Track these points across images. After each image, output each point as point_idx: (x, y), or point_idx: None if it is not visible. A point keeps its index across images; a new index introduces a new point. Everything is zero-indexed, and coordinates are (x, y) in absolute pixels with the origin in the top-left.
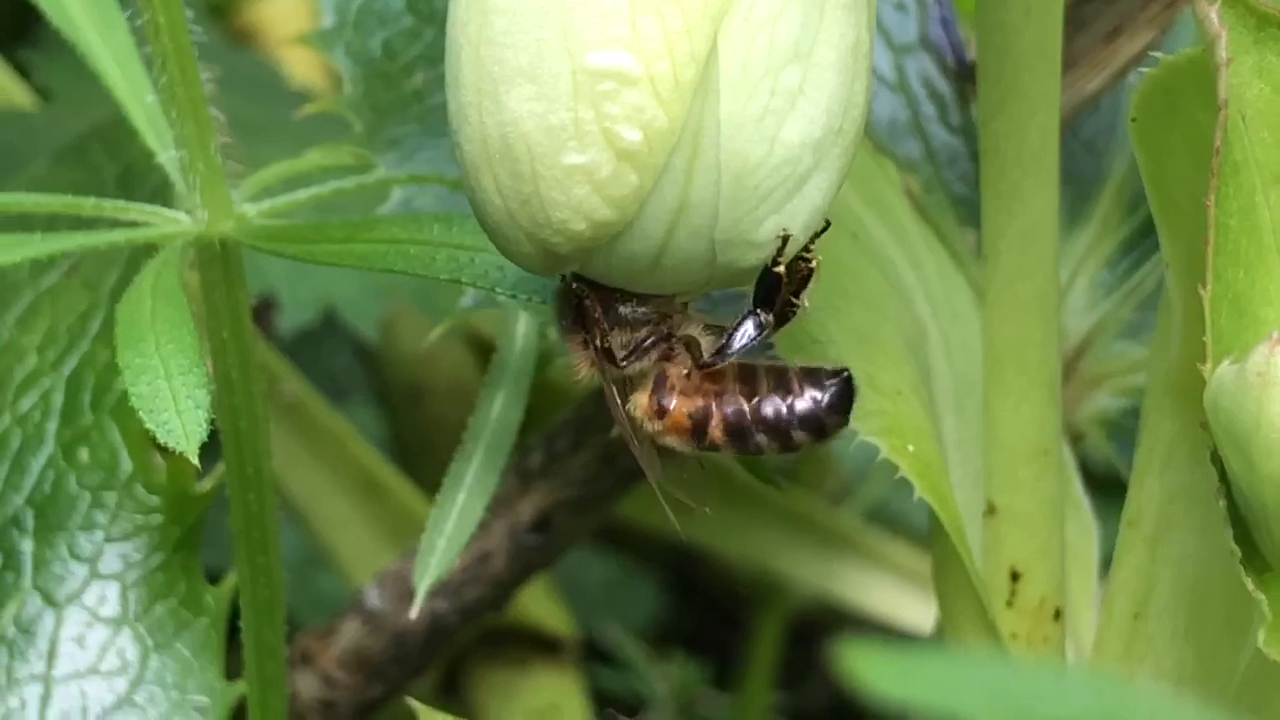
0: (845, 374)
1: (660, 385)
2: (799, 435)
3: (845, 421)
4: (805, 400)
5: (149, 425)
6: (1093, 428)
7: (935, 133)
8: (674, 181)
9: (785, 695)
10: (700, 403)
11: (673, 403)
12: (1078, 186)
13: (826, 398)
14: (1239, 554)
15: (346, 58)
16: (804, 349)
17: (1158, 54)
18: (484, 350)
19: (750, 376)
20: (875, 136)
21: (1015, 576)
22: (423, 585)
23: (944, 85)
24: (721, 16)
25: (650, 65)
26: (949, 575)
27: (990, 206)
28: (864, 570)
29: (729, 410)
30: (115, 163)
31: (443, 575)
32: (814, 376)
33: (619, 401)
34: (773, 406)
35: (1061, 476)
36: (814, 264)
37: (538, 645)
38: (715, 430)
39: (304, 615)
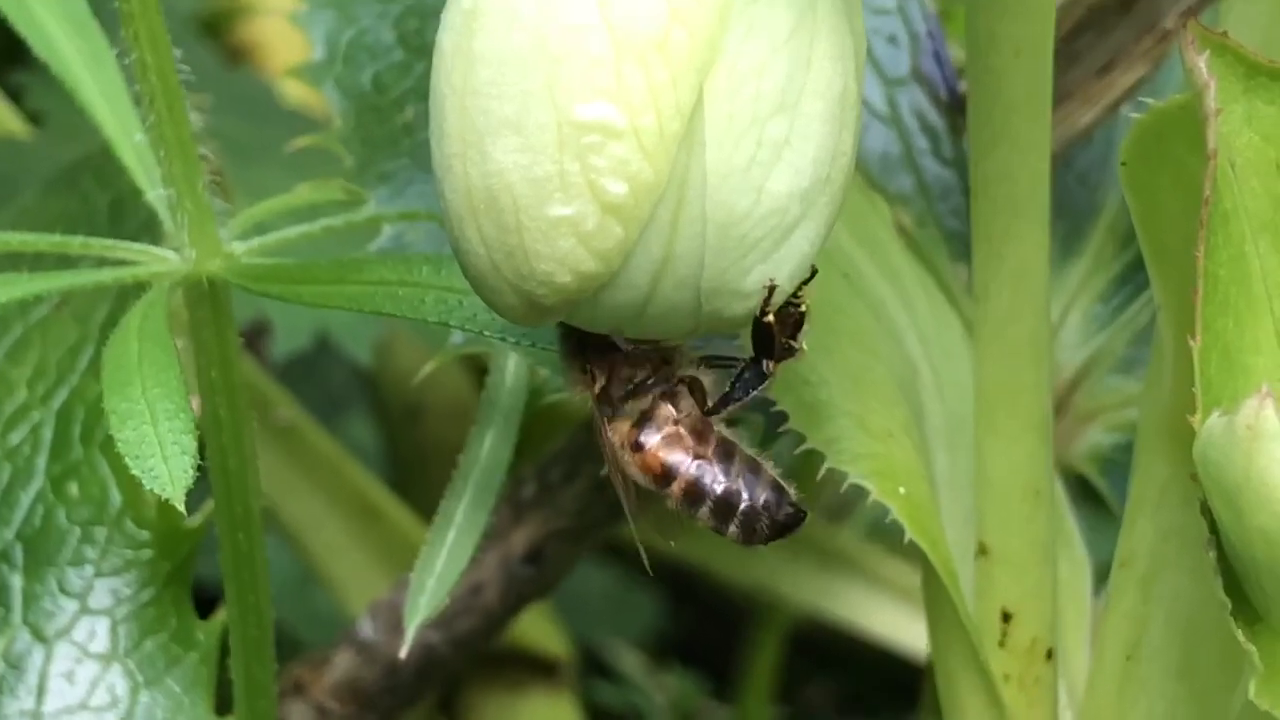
0: (802, 509)
1: (646, 422)
2: (733, 529)
3: (775, 539)
4: (758, 505)
5: (135, 471)
6: (1086, 463)
7: (928, 166)
8: (659, 233)
9: (785, 707)
10: (678, 453)
11: (651, 442)
12: (1071, 220)
13: (779, 514)
14: (1229, 605)
15: (337, 91)
16: (795, 390)
17: (1147, 100)
18: (481, 370)
19: (730, 452)
20: (868, 171)
21: (1007, 617)
22: (412, 625)
23: (936, 118)
24: (707, 68)
25: (635, 118)
26: (940, 615)
27: (981, 249)
28: (862, 589)
29: (701, 472)
30: (106, 192)
31: (432, 613)
32: (779, 490)
33: (605, 430)
34: (733, 493)
35: (1054, 516)
36: (804, 308)
37: (534, 668)
38: (678, 484)
39: (300, 634)
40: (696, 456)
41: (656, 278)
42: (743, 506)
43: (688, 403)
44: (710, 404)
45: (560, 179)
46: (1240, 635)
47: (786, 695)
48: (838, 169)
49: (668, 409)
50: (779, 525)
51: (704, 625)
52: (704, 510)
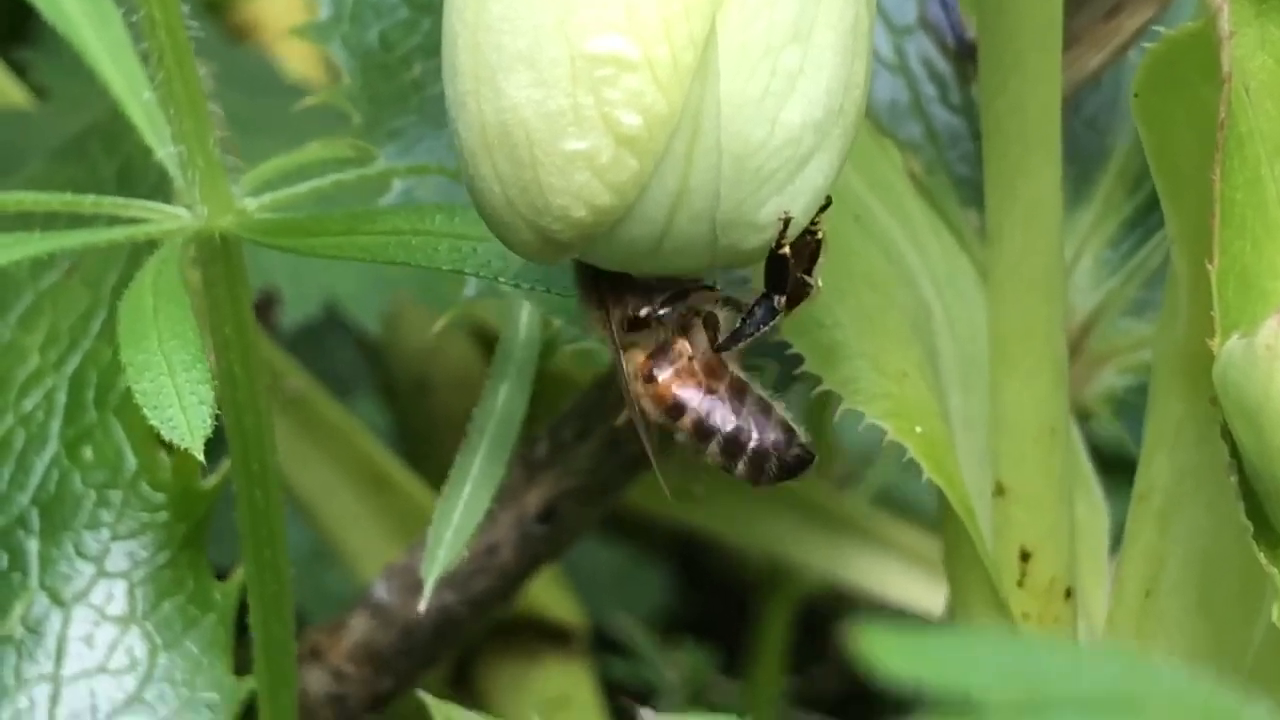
0: (810, 451)
1: (661, 354)
2: (740, 467)
3: (782, 480)
4: (767, 444)
5: (153, 422)
6: (1100, 406)
7: (936, 113)
8: (675, 165)
9: (795, 681)
10: (690, 387)
11: (664, 375)
12: (1080, 165)
13: (789, 455)
14: (1251, 529)
15: (343, 50)
16: (809, 332)
17: (1159, 29)
18: (489, 342)
19: (742, 391)
20: (876, 118)
21: (1025, 556)
22: (430, 579)
23: (944, 65)
24: None
25: (648, 50)
26: (959, 556)
27: (993, 186)
28: (872, 555)
29: (710, 409)
30: (113, 160)
31: (450, 568)
32: (789, 430)
33: (623, 364)
34: (742, 431)
35: (1070, 455)
36: (821, 238)
37: (547, 636)
38: (688, 418)
39: (312, 611)
40: (708, 392)
41: (672, 211)
42: (752, 444)
43: (703, 339)
44: (722, 340)
45: (574, 113)
46: (1263, 558)
47: (796, 669)
48: (850, 100)
49: (682, 344)
50: (787, 465)
51: (713, 601)
52: (713, 446)
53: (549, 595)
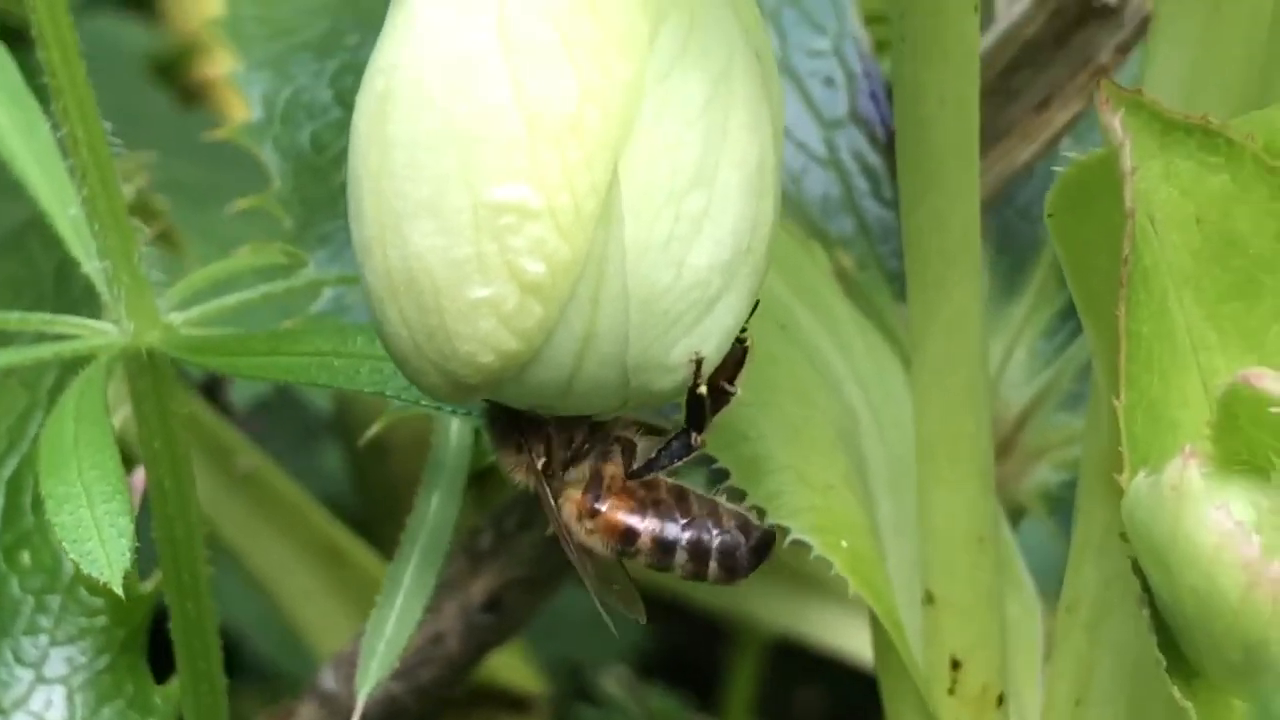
0: (770, 529)
1: (595, 486)
2: (713, 568)
3: (755, 568)
4: (730, 537)
5: (72, 555)
6: (1034, 502)
7: (868, 207)
8: (580, 310)
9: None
10: (634, 508)
11: (606, 505)
12: (1013, 256)
13: (751, 540)
14: (1164, 662)
15: (274, 152)
16: (733, 446)
17: (1069, 154)
18: None
19: (684, 496)
20: (808, 214)
21: (956, 665)
22: (364, 690)
23: (876, 159)
24: (622, 145)
25: (551, 198)
26: (889, 664)
27: (915, 299)
28: (834, 610)
29: (663, 522)
30: (51, 257)
31: (385, 672)
32: (742, 518)
33: (554, 505)
34: (702, 532)
35: (1000, 561)
36: (746, 346)
37: (506, 704)
38: (645, 539)
39: (282, 666)
40: (654, 506)
41: (580, 355)
42: (716, 544)
43: (626, 462)
44: (637, 468)
45: (478, 260)
46: (1177, 692)
47: (770, 708)
48: (758, 238)
49: (613, 468)
50: (755, 552)
51: (687, 642)
52: (679, 558)
53: (507, 664)
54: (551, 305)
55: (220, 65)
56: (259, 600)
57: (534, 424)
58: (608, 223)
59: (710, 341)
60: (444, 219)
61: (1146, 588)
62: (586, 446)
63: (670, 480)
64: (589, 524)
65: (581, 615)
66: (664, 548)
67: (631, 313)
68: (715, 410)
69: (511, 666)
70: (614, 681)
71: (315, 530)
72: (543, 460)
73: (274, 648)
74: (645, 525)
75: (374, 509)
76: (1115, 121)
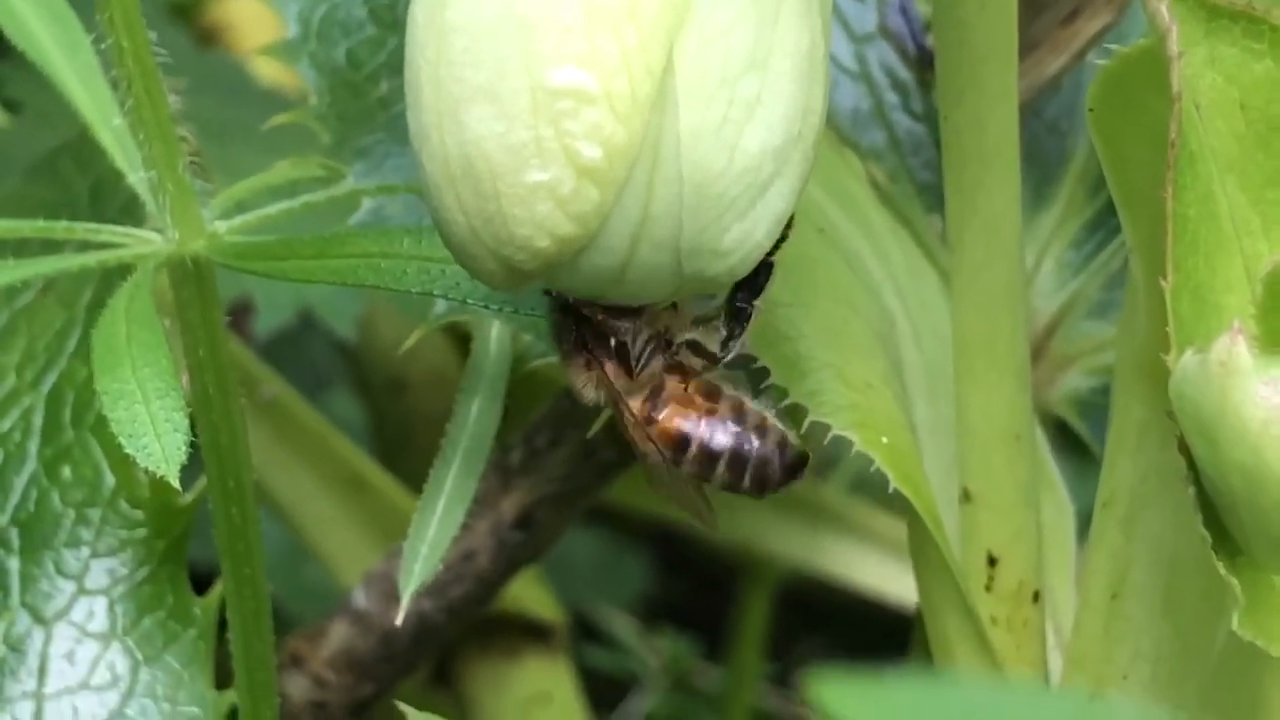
0: (804, 450)
1: (658, 393)
2: (748, 479)
3: (786, 484)
4: (769, 451)
5: (129, 450)
6: (1065, 407)
7: (899, 121)
8: (636, 194)
9: (778, 665)
10: (690, 416)
11: (664, 413)
12: (1042, 168)
13: (788, 460)
14: (1209, 539)
15: (311, 68)
16: (774, 346)
17: (1111, 46)
18: (463, 341)
19: (740, 408)
20: (839, 127)
21: (993, 561)
22: (407, 592)
23: (906, 73)
24: (676, 30)
25: (607, 82)
26: (927, 561)
27: (953, 199)
28: (849, 543)
29: (713, 432)
30: (87, 177)
31: (426, 580)
32: (781, 435)
33: (633, 416)
34: (745, 443)
35: (1035, 460)
36: (772, 261)
37: (527, 633)
38: (695, 447)
39: (294, 608)
40: (709, 416)
41: (635, 240)
42: (754, 459)
43: (694, 364)
44: (716, 350)
45: (535, 145)
46: (1222, 568)
47: (778, 652)
48: (809, 125)
49: (675, 376)
50: (788, 470)
51: (694, 587)
52: (719, 469)
53: (528, 593)
54: (608, 189)
55: (236, 6)
56: (272, 538)
57: (600, 335)
58: (663, 107)
59: (762, 226)
60: (502, 104)
61: (1192, 467)
62: (652, 349)
63: (728, 388)
64: (649, 429)
65: (591, 559)
66: (710, 457)
67: (686, 197)
68: (741, 327)
69: (533, 596)
70: (623, 625)
71: (339, 460)
72: (613, 371)
73: (286, 587)
74: (698, 433)
75: (391, 448)
76: (1162, 8)
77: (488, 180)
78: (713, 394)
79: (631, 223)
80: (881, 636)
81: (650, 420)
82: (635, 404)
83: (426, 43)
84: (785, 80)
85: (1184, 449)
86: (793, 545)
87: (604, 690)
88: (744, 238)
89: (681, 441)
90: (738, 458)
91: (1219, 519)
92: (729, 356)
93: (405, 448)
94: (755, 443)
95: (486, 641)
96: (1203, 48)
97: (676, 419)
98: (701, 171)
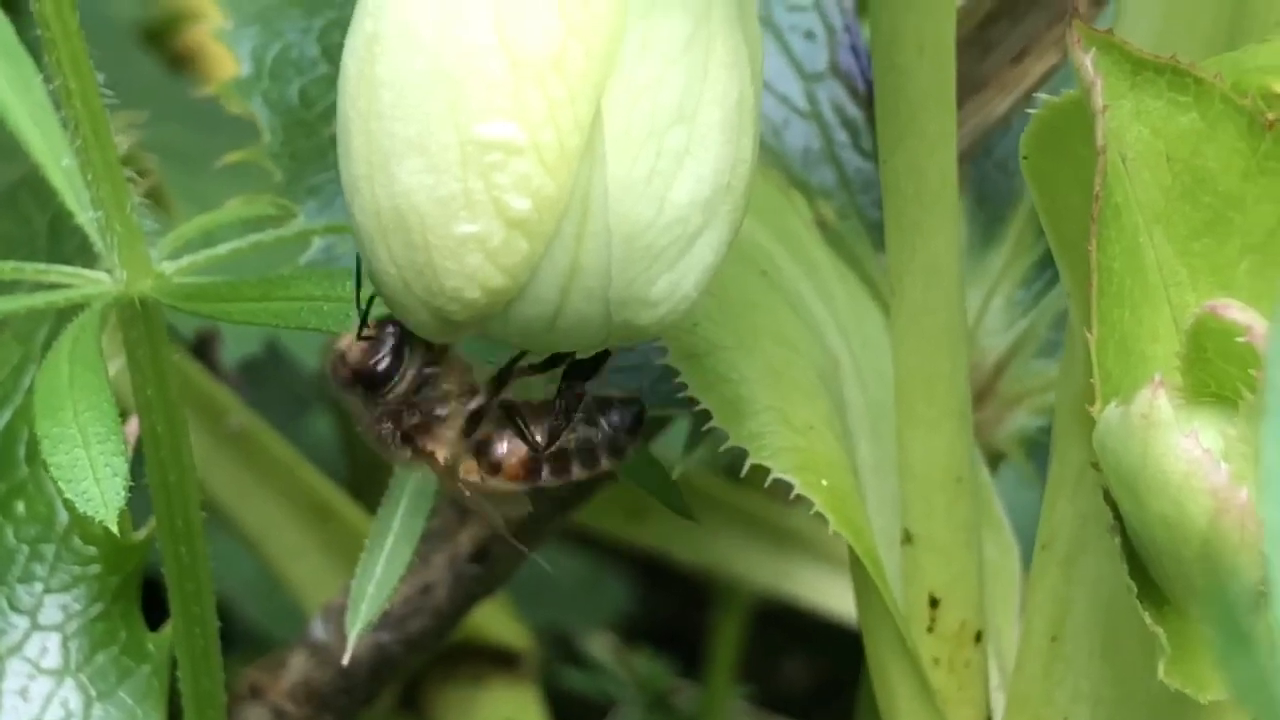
0: (637, 398)
1: (486, 451)
2: (603, 461)
3: (637, 442)
4: (609, 428)
5: (69, 495)
6: (1012, 447)
7: (849, 159)
8: (565, 246)
9: (756, 684)
10: (528, 454)
11: (502, 451)
12: (991, 207)
13: (629, 421)
14: (1135, 589)
15: (265, 107)
16: (715, 388)
17: (1043, 95)
18: None
19: (566, 408)
20: (789, 165)
21: (934, 602)
22: (353, 632)
23: (855, 111)
24: (604, 83)
25: (535, 134)
26: (869, 602)
27: (893, 243)
28: (816, 567)
29: (559, 449)
30: (45, 212)
31: (374, 618)
32: (608, 403)
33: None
34: (589, 439)
35: (978, 501)
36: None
37: (494, 659)
38: (548, 470)
39: (270, 630)
40: (547, 437)
41: (565, 290)
42: (601, 444)
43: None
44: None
45: (465, 197)
46: (1147, 618)
47: (757, 671)
48: (738, 176)
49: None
50: (632, 428)
51: (673, 606)
52: (575, 470)
53: (495, 619)
54: (537, 241)
55: (209, 25)
56: (246, 564)
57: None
58: (591, 159)
59: (691, 277)
60: (431, 156)
61: (1118, 516)
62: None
63: (536, 399)
64: (497, 478)
65: (568, 580)
66: (563, 469)
67: (615, 248)
68: (571, 414)
69: (500, 623)
70: (599, 646)
71: (305, 488)
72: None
73: (260, 612)
74: (543, 461)
75: (363, 474)
76: (1087, 61)
77: (418, 232)
78: (534, 414)
79: (561, 274)
80: (861, 656)
81: (495, 468)
82: (466, 468)
83: (357, 95)
84: (714, 132)
85: (1110, 499)
86: (762, 570)
87: (581, 712)
88: (672, 288)
89: (533, 472)
90: (588, 454)
91: (1145, 568)
92: (553, 446)
93: (377, 472)
94: (592, 430)
95: (453, 668)
96: (1129, 100)
97: (516, 462)
98: (630, 223)
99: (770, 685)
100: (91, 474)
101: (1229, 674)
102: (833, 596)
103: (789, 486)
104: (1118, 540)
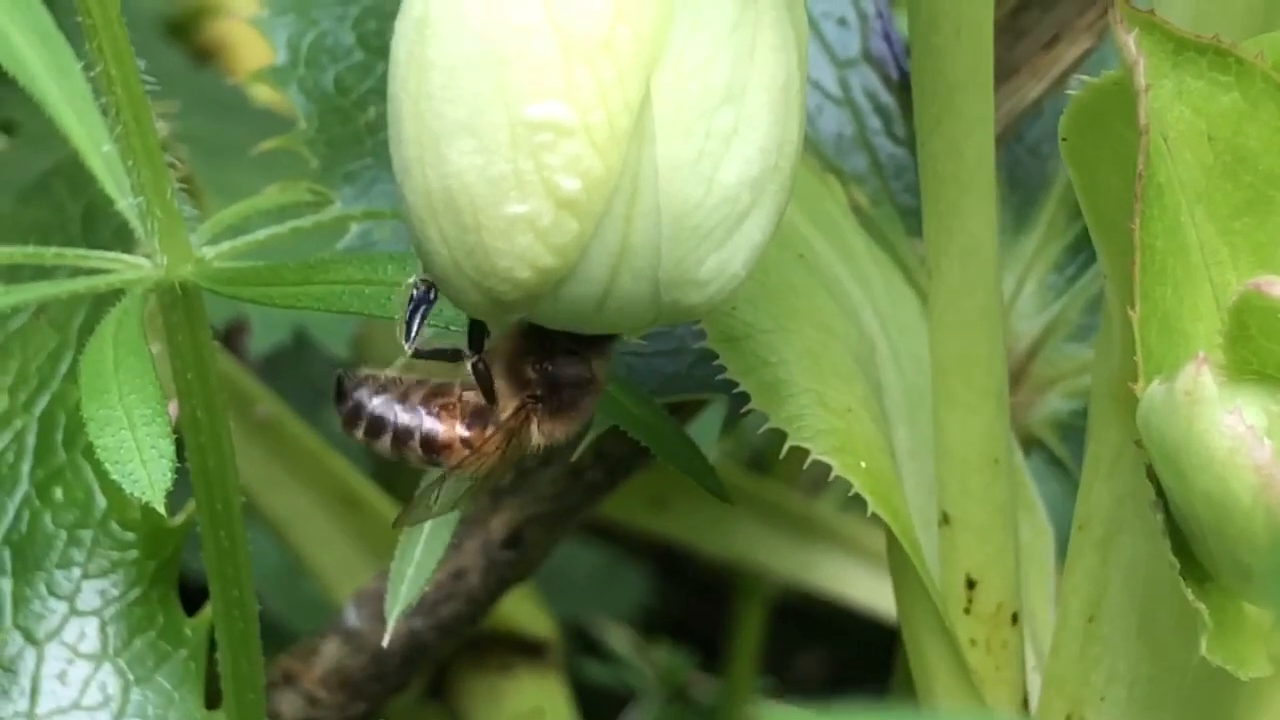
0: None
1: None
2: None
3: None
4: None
5: (115, 476)
6: (1046, 430)
7: (881, 145)
8: (615, 226)
9: (773, 677)
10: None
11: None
12: (1024, 191)
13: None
14: (1178, 565)
15: (300, 94)
16: (755, 371)
17: (1082, 77)
18: None
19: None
20: (822, 151)
21: (971, 584)
22: (393, 615)
23: (888, 98)
24: (654, 64)
25: (585, 115)
26: (906, 584)
27: (931, 225)
28: (840, 558)
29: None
30: (79, 200)
31: (413, 601)
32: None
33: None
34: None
35: (1013, 483)
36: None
37: (521, 649)
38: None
39: (292, 623)
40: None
41: (614, 270)
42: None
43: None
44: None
45: (515, 177)
46: (1190, 594)
47: (776, 664)
48: (785, 157)
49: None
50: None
51: (692, 599)
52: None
53: (522, 609)
54: (586, 220)
55: (241, 15)
56: (271, 556)
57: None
58: (640, 139)
59: (739, 256)
60: (482, 137)
61: (1160, 494)
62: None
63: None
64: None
65: (588, 572)
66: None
67: (664, 227)
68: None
69: (526, 612)
70: (620, 638)
71: (334, 477)
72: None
73: (284, 603)
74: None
75: (390, 463)
76: (1130, 41)
77: (469, 213)
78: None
79: (611, 253)
80: (880, 649)
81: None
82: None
83: (407, 78)
84: (762, 113)
85: (1153, 476)
86: (785, 561)
87: (602, 703)
88: (721, 268)
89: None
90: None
91: (1187, 545)
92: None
93: (402, 465)
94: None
95: (480, 657)
96: (1170, 80)
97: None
98: (679, 203)
99: (790, 677)
100: (138, 455)
101: None
102: (854, 588)
103: (811, 476)
104: (1160, 517)
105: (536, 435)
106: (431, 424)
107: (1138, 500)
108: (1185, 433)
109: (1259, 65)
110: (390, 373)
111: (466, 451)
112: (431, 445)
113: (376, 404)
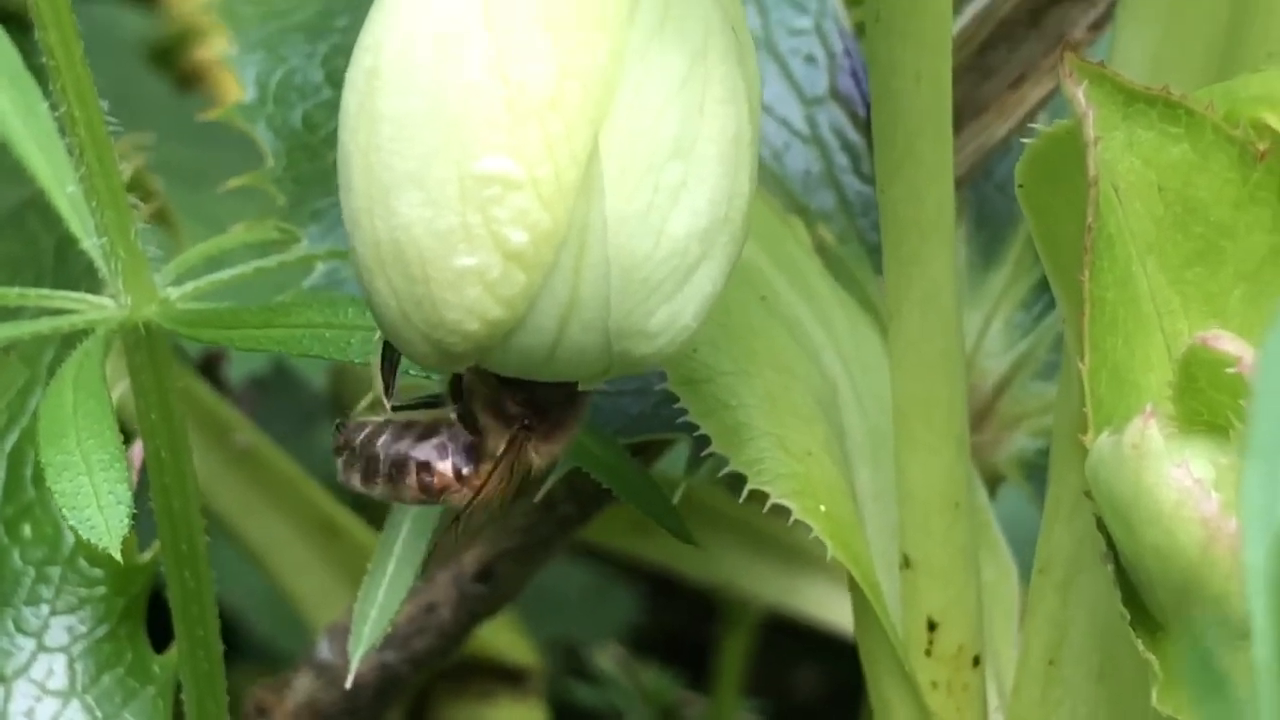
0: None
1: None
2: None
3: None
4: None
5: (72, 523)
6: (1012, 469)
7: (849, 183)
8: (563, 278)
9: (764, 697)
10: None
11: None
12: (991, 229)
13: None
14: (1128, 616)
15: (269, 131)
16: (715, 413)
17: (1036, 126)
18: None
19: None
20: (789, 189)
21: (932, 626)
22: (356, 655)
23: (855, 136)
24: (602, 118)
25: (533, 169)
26: (867, 626)
27: (891, 270)
28: (824, 583)
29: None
30: (52, 234)
31: (377, 640)
32: None
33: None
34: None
35: (975, 525)
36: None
37: (502, 676)
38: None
39: (278, 643)
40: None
41: (563, 321)
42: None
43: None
44: None
45: (463, 230)
46: (1140, 645)
47: (766, 684)
48: (735, 209)
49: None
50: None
51: (680, 619)
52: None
53: (502, 636)
54: (535, 273)
55: (215, 49)
56: (255, 578)
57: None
58: (588, 193)
59: (689, 308)
60: (430, 190)
61: (1111, 545)
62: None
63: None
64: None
65: (575, 593)
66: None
67: (613, 280)
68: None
69: (507, 640)
70: (608, 659)
71: (312, 505)
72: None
73: (269, 625)
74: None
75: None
76: (1079, 93)
77: (417, 265)
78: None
79: (560, 305)
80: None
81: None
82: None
83: (357, 129)
84: (710, 166)
85: (1103, 527)
86: (768, 587)
87: None
88: (671, 319)
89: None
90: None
91: (1138, 595)
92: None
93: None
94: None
95: (461, 685)
96: (1121, 131)
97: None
98: (627, 255)
99: (778, 698)
100: (95, 501)
101: (1202, 713)
102: (840, 610)
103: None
104: (1110, 568)
105: (536, 458)
106: (430, 465)
107: (1098, 543)
108: (1133, 486)
109: (1209, 116)
110: (382, 417)
111: (470, 491)
112: (431, 489)
113: (373, 450)
